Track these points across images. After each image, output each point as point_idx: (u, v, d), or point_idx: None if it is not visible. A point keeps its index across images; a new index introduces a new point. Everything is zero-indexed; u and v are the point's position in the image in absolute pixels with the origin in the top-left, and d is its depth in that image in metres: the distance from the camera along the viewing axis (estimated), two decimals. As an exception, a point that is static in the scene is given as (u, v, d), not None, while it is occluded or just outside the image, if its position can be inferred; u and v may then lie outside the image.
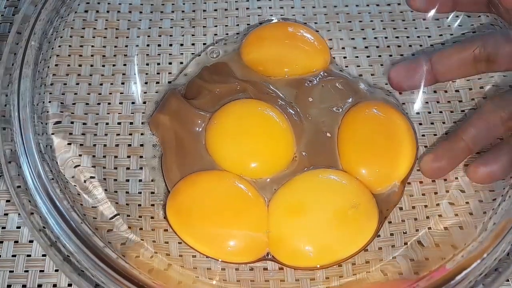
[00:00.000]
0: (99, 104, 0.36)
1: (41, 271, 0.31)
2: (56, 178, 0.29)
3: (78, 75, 0.37)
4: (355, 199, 0.32)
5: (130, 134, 0.36)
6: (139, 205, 0.33)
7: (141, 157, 0.35)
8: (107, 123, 0.36)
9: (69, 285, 0.31)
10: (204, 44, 0.40)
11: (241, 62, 0.38)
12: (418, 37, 0.40)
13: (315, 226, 0.31)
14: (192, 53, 0.40)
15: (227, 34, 0.41)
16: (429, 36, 0.40)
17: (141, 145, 0.36)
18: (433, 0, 0.37)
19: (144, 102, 0.37)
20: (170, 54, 0.40)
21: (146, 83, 0.38)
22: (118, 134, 0.36)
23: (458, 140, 0.33)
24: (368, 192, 0.33)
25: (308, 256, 0.31)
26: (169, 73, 0.39)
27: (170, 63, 0.39)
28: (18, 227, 0.33)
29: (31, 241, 0.32)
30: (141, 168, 0.35)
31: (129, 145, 0.36)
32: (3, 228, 0.33)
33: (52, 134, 0.33)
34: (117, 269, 0.26)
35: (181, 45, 0.40)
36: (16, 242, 0.32)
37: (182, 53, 0.40)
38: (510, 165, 0.31)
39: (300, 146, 0.35)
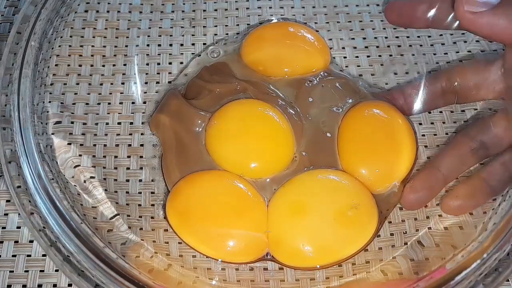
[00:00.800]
0: (99, 104, 0.36)
1: (41, 271, 0.32)
2: (56, 178, 0.29)
3: (78, 75, 0.37)
4: (355, 199, 0.32)
5: (130, 134, 0.36)
6: (139, 205, 0.33)
7: (141, 157, 0.35)
8: (107, 123, 0.36)
9: (69, 285, 0.31)
10: (204, 44, 0.40)
11: (241, 62, 0.39)
12: (418, 37, 0.40)
13: (315, 226, 0.31)
14: (192, 53, 0.40)
15: (227, 34, 0.41)
16: (429, 36, 0.40)
17: (141, 145, 0.36)
18: (407, 15, 0.36)
19: (144, 102, 0.37)
20: (170, 54, 0.40)
21: (146, 83, 0.38)
22: (118, 134, 0.36)
23: (434, 171, 0.33)
24: (368, 192, 0.33)
25: (308, 256, 0.31)
26: (169, 73, 0.39)
27: (170, 63, 0.39)
28: (18, 227, 0.33)
29: (31, 241, 0.32)
30: (141, 168, 0.35)
31: (129, 145, 0.36)
32: (3, 228, 0.33)
33: (52, 134, 0.33)
34: (117, 269, 0.26)
35: (181, 45, 0.40)
36: (16, 242, 0.32)
37: (182, 53, 0.40)
38: (480, 196, 0.31)
39: (300, 146, 0.35)
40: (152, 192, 0.34)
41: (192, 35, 0.41)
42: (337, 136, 0.35)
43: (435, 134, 0.36)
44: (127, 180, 0.34)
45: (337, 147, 0.35)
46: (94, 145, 0.35)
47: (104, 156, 0.35)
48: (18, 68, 0.30)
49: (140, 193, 0.34)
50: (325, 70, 0.38)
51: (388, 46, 0.40)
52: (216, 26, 0.41)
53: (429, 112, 0.37)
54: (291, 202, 0.32)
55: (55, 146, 0.32)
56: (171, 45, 0.40)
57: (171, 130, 0.35)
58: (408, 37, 0.40)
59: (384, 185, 0.33)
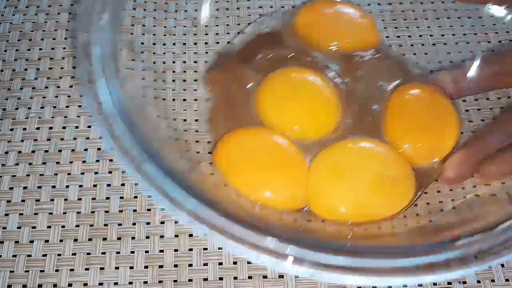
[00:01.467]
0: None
1: (41, 271, 0.31)
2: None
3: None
4: (395, 170, 0.33)
5: (184, 90, 0.37)
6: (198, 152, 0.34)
7: (195, 110, 0.36)
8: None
9: (69, 285, 0.31)
10: (260, 15, 0.42)
11: (294, 33, 0.40)
12: (420, 36, 0.41)
13: (352, 187, 0.32)
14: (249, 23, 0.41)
15: (283, 7, 0.42)
16: (430, 35, 0.41)
17: (195, 99, 0.37)
18: None
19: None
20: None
21: (206, 43, 0.40)
22: (174, 89, 0.37)
23: (477, 147, 0.34)
24: (408, 165, 0.34)
25: (342, 214, 0.32)
26: (228, 33, 0.40)
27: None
28: (19, 227, 0.33)
29: (31, 241, 0.32)
30: (196, 120, 0.36)
31: (184, 99, 0.37)
32: (4, 228, 0.33)
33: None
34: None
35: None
36: (16, 242, 0.32)
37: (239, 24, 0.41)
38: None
39: (346, 114, 0.36)
40: (209, 142, 0.35)
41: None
42: (383, 110, 0.36)
43: (470, 121, 0.37)
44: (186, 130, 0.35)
45: (383, 119, 0.36)
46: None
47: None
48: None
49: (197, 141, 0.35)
50: (375, 47, 0.39)
51: (389, 46, 0.40)
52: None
53: (464, 101, 0.37)
54: (332, 163, 0.33)
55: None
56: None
57: (224, 88, 0.37)
58: (409, 36, 0.41)
59: (425, 160, 0.34)
